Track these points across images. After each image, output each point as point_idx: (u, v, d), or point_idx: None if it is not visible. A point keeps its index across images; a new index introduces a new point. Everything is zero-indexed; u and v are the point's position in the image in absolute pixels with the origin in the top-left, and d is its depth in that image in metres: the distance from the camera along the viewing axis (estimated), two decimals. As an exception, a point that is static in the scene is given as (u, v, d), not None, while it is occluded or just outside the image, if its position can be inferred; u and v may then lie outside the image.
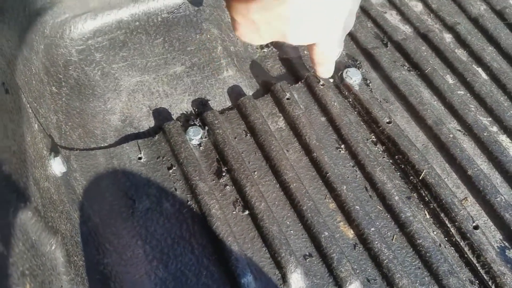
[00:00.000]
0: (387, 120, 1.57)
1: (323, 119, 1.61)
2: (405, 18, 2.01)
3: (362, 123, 1.62)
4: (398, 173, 1.51)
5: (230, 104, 1.68)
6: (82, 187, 1.37)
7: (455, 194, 1.43)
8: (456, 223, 1.37)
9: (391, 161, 1.53)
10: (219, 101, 1.67)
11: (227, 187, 1.43)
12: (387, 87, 1.73)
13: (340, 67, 1.71)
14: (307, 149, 1.51)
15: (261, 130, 1.52)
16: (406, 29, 1.97)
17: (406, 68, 1.80)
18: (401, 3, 2.04)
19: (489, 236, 1.38)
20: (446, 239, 1.38)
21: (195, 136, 1.50)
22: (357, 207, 1.38)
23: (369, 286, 1.28)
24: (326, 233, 1.32)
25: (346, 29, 1.43)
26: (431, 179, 1.44)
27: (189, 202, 1.38)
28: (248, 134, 1.55)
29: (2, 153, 1.04)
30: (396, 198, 1.41)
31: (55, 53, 1.58)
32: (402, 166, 1.51)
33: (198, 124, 1.54)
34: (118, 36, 1.69)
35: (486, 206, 1.44)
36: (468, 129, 1.61)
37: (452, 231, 1.38)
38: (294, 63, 1.79)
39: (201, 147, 1.50)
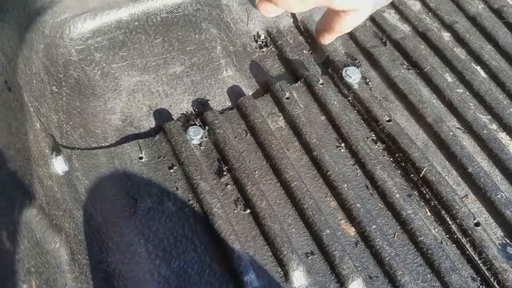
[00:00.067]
0: (387, 119, 1.58)
1: (323, 118, 1.61)
2: (404, 17, 2.01)
3: (362, 122, 1.62)
4: (399, 171, 1.51)
5: (230, 104, 1.68)
6: (84, 186, 1.37)
7: (455, 192, 1.44)
8: (457, 220, 1.38)
9: (391, 159, 1.54)
10: (219, 101, 1.67)
11: (228, 186, 1.43)
12: (387, 85, 1.74)
13: (339, 66, 1.72)
14: (307, 148, 1.52)
15: (261, 129, 1.53)
16: (405, 28, 1.98)
17: (405, 66, 1.80)
18: (399, 2, 2.05)
19: (490, 233, 1.39)
20: (447, 236, 1.39)
21: (196, 136, 1.50)
22: (358, 205, 1.39)
23: (371, 283, 1.28)
24: (328, 231, 1.32)
25: (377, 5, 1.38)
26: (432, 176, 1.45)
27: (190, 201, 1.38)
28: (248, 134, 1.55)
29: (8, 150, 1.04)
30: (397, 196, 1.41)
31: (55, 53, 1.58)
32: (403, 164, 1.52)
33: (198, 124, 1.54)
34: (118, 36, 1.69)
35: (486, 203, 1.45)
36: (468, 127, 1.62)
37: (453, 228, 1.38)
38: (293, 62, 1.79)
39: (201, 147, 1.51)
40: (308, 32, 1.90)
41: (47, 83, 1.51)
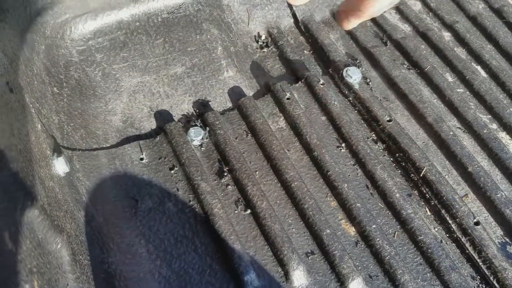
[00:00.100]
0: (388, 118, 1.58)
1: (323, 118, 1.62)
2: (404, 17, 2.02)
3: (362, 122, 1.63)
4: (399, 171, 1.52)
5: (230, 105, 1.68)
6: (85, 187, 1.37)
7: (455, 191, 1.44)
8: (457, 220, 1.38)
9: (391, 159, 1.54)
10: (220, 101, 1.68)
11: (229, 186, 1.43)
12: (387, 85, 1.74)
13: (340, 66, 1.72)
14: (308, 148, 1.52)
15: (262, 130, 1.53)
16: (405, 27, 1.98)
17: (405, 66, 1.81)
18: (400, 2, 2.05)
19: (490, 232, 1.40)
20: (447, 235, 1.40)
21: (197, 136, 1.51)
22: (358, 204, 1.39)
23: (371, 282, 1.29)
24: (328, 231, 1.33)
25: None
26: (432, 176, 1.45)
27: (191, 202, 1.39)
28: (249, 134, 1.55)
29: (10, 151, 1.05)
30: (397, 195, 1.42)
31: (56, 54, 1.59)
32: (403, 164, 1.52)
33: (199, 125, 1.55)
34: (119, 36, 1.69)
35: (486, 203, 1.45)
36: (468, 126, 1.63)
37: (453, 227, 1.39)
38: (294, 63, 1.80)
39: (202, 148, 1.51)
40: (309, 32, 1.91)
41: (48, 84, 1.52)
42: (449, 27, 1.97)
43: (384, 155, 1.54)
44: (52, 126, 1.42)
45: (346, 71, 1.69)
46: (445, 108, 1.69)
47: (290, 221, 1.38)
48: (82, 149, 1.47)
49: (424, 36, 1.92)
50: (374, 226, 1.35)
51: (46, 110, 1.42)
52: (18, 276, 0.88)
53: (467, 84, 1.75)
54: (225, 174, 1.45)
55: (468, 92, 1.74)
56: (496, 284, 1.29)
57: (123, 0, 1.70)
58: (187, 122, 1.59)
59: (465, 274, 1.31)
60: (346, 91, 1.68)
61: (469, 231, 1.36)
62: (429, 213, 1.43)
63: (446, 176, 1.49)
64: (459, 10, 2.05)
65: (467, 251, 1.35)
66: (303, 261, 1.29)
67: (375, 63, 1.79)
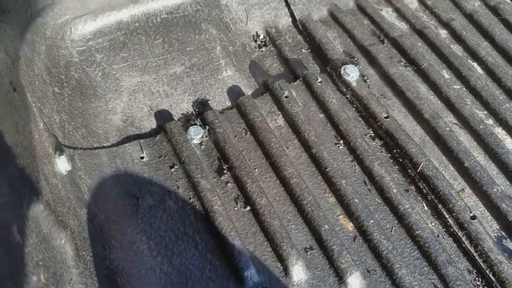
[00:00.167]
0: (385, 115, 1.60)
1: (321, 115, 1.63)
2: (401, 15, 2.03)
3: (360, 119, 1.64)
4: (396, 167, 1.53)
5: (229, 104, 1.70)
6: (87, 185, 1.39)
7: (452, 186, 1.46)
8: (454, 214, 1.40)
9: (389, 155, 1.56)
10: (219, 100, 1.69)
11: (229, 184, 1.45)
12: (384, 82, 1.76)
13: (337, 64, 1.74)
14: (306, 146, 1.54)
15: (260, 128, 1.55)
16: (402, 25, 2.00)
17: (402, 64, 1.82)
18: (397, 0, 2.07)
19: (486, 226, 1.41)
20: (444, 229, 1.41)
21: (196, 135, 1.52)
22: (356, 200, 1.41)
23: (369, 276, 1.30)
24: (326, 226, 1.35)
25: None
26: (429, 171, 1.47)
27: (191, 200, 1.40)
28: (248, 133, 1.57)
29: (16, 148, 1.07)
30: (395, 191, 1.43)
31: (57, 54, 1.61)
32: (400, 160, 1.54)
33: (198, 124, 1.56)
34: (118, 37, 1.71)
35: (483, 197, 1.47)
36: (465, 122, 1.64)
37: (450, 221, 1.40)
38: (292, 61, 1.81)
39: (202, 146, 1.53)
40: (307, 31, 1.92)
41: (49, 84, 1.53)
42: (446, 25, 1.99)
43: (382, 152, 1.56)
44: (53, 125, 1.44)
45: (344, 69, 1.70)
46: (441, 104, 1.70)
47: (289, 217, 1.39)
48: (83, 147, 1.48)
49: (421, 33, 1.94)
50: (372, 221, 1.37)
51: (48, 109, 1.44)
52: (26, 268, 0.90)
53: (464, 80, 1.77)
54: (225, 171, 1.47)
55: (464, 89, 1.76)
56: (492, 277, 1.31)
57: (122, 1, 1.71)
58: (186, 121, 1.60)
59: (462, 268, 1.33)
60: (343, 89, 1.69)
61: (466, 225, 1.37)
62: (426, 208, 1.44)
63: (443, 172, 1.50)
64: (455, 8, 2.06)
65: (464, 245, 1.37)
66: (302, 256, 1.31)
67: (372, 60, 1.81)
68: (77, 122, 1.54)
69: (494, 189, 1.45)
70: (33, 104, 1.32)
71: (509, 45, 1.88)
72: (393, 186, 1.44)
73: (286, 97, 1.62)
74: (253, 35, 1.92)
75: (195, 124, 1.56)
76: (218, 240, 1.33)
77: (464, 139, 1.60)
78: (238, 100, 1.63)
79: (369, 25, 1.98)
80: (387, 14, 2.03)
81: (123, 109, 1.63)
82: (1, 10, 1.42)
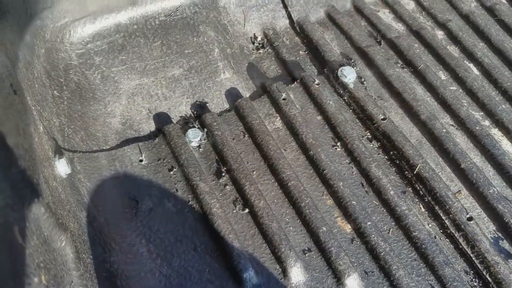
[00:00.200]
0: (382, 117, 1.61)
1: (319, 117, 1.64)
2: (398, 16, 2.04)
3: (357, 121, 1.65)
4: (393, 169, 1.54)
5: (227, 106, 1.71)
6: (86, 188, 1.40)
7: (449, 187, 1.47)
8: (451, 215, 1.41)
9: (386, 157, 1.57)
10: (217, 103, 1.70)
11: (227, 186, 1.46)
12: (381, 84, 1.77)
13: (335, 66, 1.75)
14: (304, 148, 1.55)
15: (258, 130, 1.56)
16: (399, 27, 2.01)
17: (399, 65, 1.83)
18: (393, 1, 2.08)
19: (483, 227, 1.42)
20: (441, 231, 1.42)
21: (195, 138, 1.53)
22: (354, 202, 1.42)
23: (367, 278, 1.31)
24: (324, 228, 1.36)
25: None
26: (426, 173, 1.48)
27: (190, 202, 1.41)
28: (246, 135, 1.58)
29: (17, 150, 1.08)
30: (392, 192, 1.44)
31: (56, 57, 1.61)
32: (397, 162, 1.55)
33: (197, 126, 1.57)
34: (117, 39, 1.72)
35: (479, 198, 1.48)
36: (461, 123, 1.65)
37: (447, 223, 1.42)
38: (289, 63, 1.82)
39: (200, 149, 1.54)
40: (304, 33, 1.93)
41: (48, 87, 1.54)
42: (442, 26, 2.00)
43: (379, 153, 1.57)
44: (53, 128, 1.44)
45: (341, 71, 1.71)
46: (438, 105, 1.71)
47: (287, 219, 1.40)
48: (82, 151, 1.49)
49: (418, 35, 1.95)
50: (369, 223, 1.38)
51: (47, 112, 1.45)
52: (27, 269, 0.91)
53: (460, 81, 1.78)
54: (223, 174, 1.48)
55: (461, 90, 1.77)
56: (489, 278, 1.32)
57: (121, 3, 1.72)
58: (185, 123, 1.61)
59: (459, 269, 1.34)
60: (341, 91, 1.70)
61: (462, 226, 1.38)
62: (423, 209, 1.45)
63: (440, 173, 1.51)
64: (451, 9, 2.07)
65: (461, 246, 1.38)
66: (301, 258, 1.32)
67: (369, 62, 1.82)
68: (76, 125, 1.54)
69: (491, 191, 1.46)
70: (33, 107, 1.33)
71: (505, 46, 1.89)
72: (390, 188, 1.45)
73: (283, 99, 1.63)
74: (251, 37, 1.93)
75: (194, 126, 1.57)
76: (217, 242, 1.34)
77: (460, 140, 1.61)
78: (236, 102, 1.64)
79: (366, 27, 1.99)
80: (384, 15, 2.04)
81: (122, 112, 1.64)
82: (1, 12, 1.43)
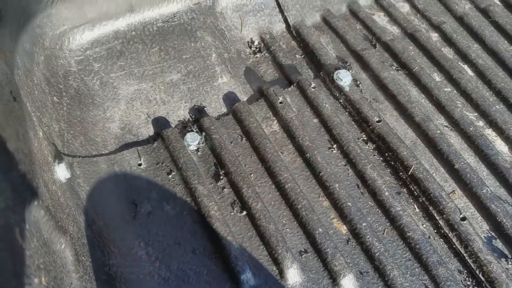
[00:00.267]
0: (377, 119, 1.63)
1: (315, 120, 1.66)
2: (393, 19, 2.06)
3: (353, 123, 1.67)
4: (388, 170, 1.56)
5: (225, 110, 1.73)
6: (86, 192, 1.42)
7: (443, 188, 1.49)
8: (444, 216, 1.43)
9: (381, 158, 1.59)
10: (215, 107, 1.72)
11: (225, 189, 1.48)
12: (377, 87, 1.79)
13: (330, 69, 1.77)
14: (300, 151, 1.57)
15: (256, 134, 1.58)
16: (394, 29, 2.02)
17: (394, 68, 1.85)
18: (388, 4, 2.09)
19: (476, 227, 1.44)
20: (435, 231, 1.44)
21: (193, 141, 1.55)
22: (350, 203, 1.44)
23: (362, 278, 1.33)
24: (320, 230, 1.38)
25: None
26: (420, 174, 1.50)
27: (189, 205, 1.43)
28: (243, 138, 1.60)
29: (18, 154, 1.10)
30: (387, 193, 1.46)
31: (55, 64, 1.63)
32: (392, 163, 1.57)
33: (195, 130, 1.59)
34: (115, 46, 1.74)
35: (473, 198, 1.50)
36: (455, 124, 1.67)
37: (441, 223, 1.43)
38: (286, 67, 1.84)
39: (198, 152, 1.56)
40: (300, 37, 1.95)
41: (48, 93, 1.56)
42: (437, 28, 2.02)
43: (374, 155, 1.59)
44: (53, 134, 1.46)
45: (337, 74, 1.73)
46: (432, 107, 1.73)
47: (284, 221, 1.43)
48: (82, 155, 1.51)
49: (412, 37, 1.96)
50: (364, 224, 1.40)
51: (47, 118, 1.47)
52: (28, 269, 0.93)
53: (454, 83, 1.79)
54: (221, 177, 1.50)
55: (455, 91, 1.78)
56: (482, 277, 1.34)
57: (119, 10, 1.74)
58: (183, 127, 1.63)
59: (452, 268, 1.36)
60: (337, 94, 1.73)
61: (456, 226, 1.40)
62: (417, 210, 1.47)
63: (434, 174, 1.53)
64: (446, 11, 2.09)
65: (454, 246, 1.40)
66: (297, 260, 1.34)
67: (364, 65, 1.84)
68: (75, 130, 1.56)
69: (484, 191, 1.48)
70: (33, 113, 1.35)
71: (499, 47, 1.90)
72: (385, 189, 1.47)
73: (280, 102, 1.65)
74: (248, 42, 1.95)
75: (192, 130, 1.59)
76: (215, 245, 1.36)
77: (454, 141, 1.63)
78: (234, 106, 1.66)
79: (361, 30, 2.01)
80: (379, 19, 2.06)
81: (121, 117, 1.65)
82: (0, 20, 1.45)
